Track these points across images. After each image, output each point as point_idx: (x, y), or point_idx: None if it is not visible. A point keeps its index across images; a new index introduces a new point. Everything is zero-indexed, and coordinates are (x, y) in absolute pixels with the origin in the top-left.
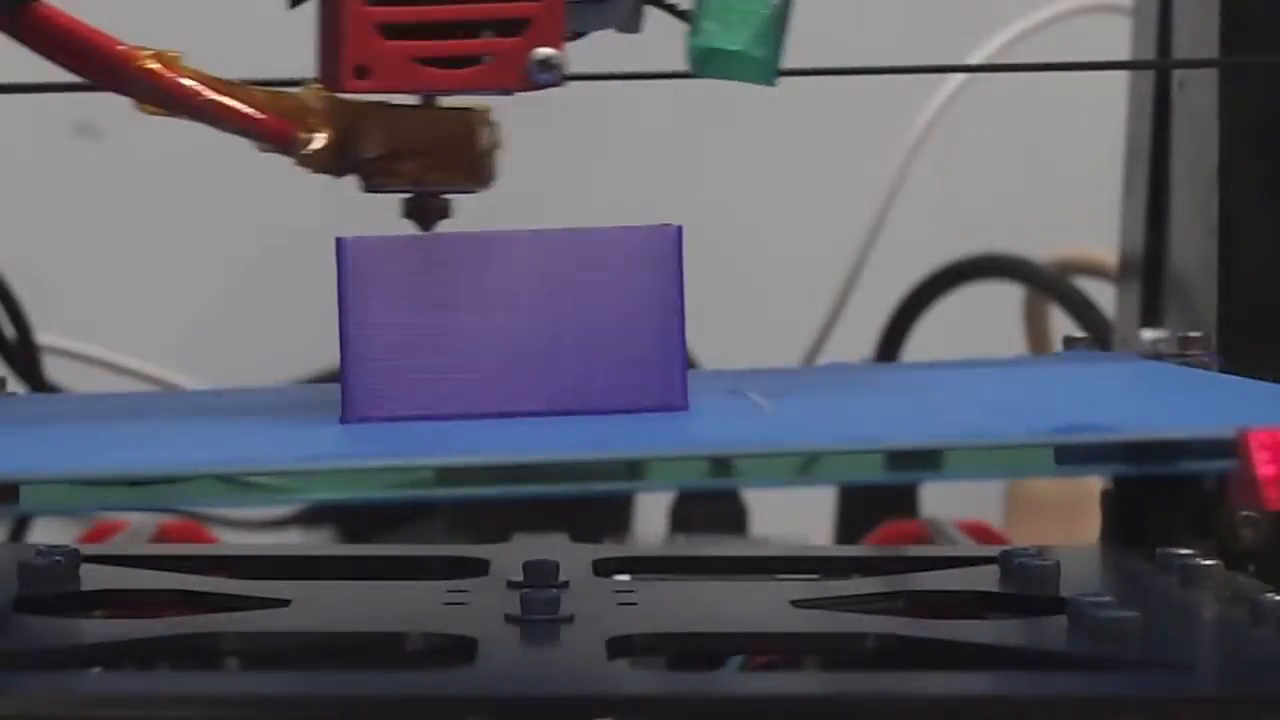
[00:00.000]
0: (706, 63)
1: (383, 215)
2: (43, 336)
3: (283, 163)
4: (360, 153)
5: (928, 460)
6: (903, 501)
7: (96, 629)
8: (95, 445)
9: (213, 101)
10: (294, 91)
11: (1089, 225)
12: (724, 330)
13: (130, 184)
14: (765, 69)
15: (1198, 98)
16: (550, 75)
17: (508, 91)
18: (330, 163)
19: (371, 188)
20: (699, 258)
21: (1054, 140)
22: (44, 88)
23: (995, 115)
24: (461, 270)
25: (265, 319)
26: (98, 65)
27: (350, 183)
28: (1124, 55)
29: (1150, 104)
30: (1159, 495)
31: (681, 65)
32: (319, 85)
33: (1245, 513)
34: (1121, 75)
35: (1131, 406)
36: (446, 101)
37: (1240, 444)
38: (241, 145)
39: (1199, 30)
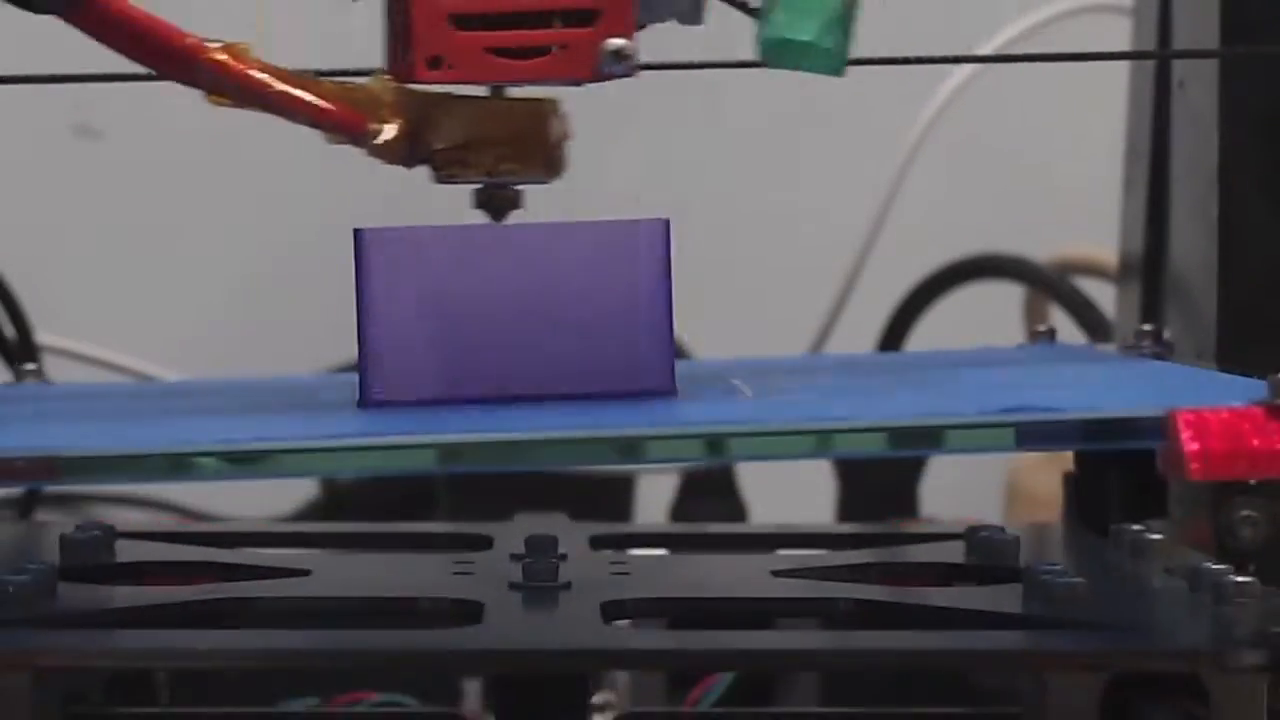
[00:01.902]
0: (777, 54)
1: (383, 215)
2: (43, 336)
3: (283, 163)
4: (431, 143)
5: (915, 437)
6: (903, 501)
7: (134, 595)
8: (126, 426)
9: (283, 93)
10: (363, 82)
11: (1089, 225)
12: (725, 330)
13: (130, 184)
14: (835, 59)
15: (1198, 97)
16: (622, 66)
17: (579, 82)
18: (402, 153)
19: (443, 178)
20: (699, 257)
21: (1054, 140)
22: (42, 79)
23: (995, 115)
24: (469, 260)
25: (265, 319)
26: (166, 57)
27: (350, 182)
28: None
29: (1150, 104)
30: (1115, 476)
31: (694, 51)
32: (388, 76)
33: (1245, 513)
34: (1122, 75)
35: (1081, 392)
36: (516, 92)
37: (1169, 422)
38: (242, 146)
39: (1199, 29)
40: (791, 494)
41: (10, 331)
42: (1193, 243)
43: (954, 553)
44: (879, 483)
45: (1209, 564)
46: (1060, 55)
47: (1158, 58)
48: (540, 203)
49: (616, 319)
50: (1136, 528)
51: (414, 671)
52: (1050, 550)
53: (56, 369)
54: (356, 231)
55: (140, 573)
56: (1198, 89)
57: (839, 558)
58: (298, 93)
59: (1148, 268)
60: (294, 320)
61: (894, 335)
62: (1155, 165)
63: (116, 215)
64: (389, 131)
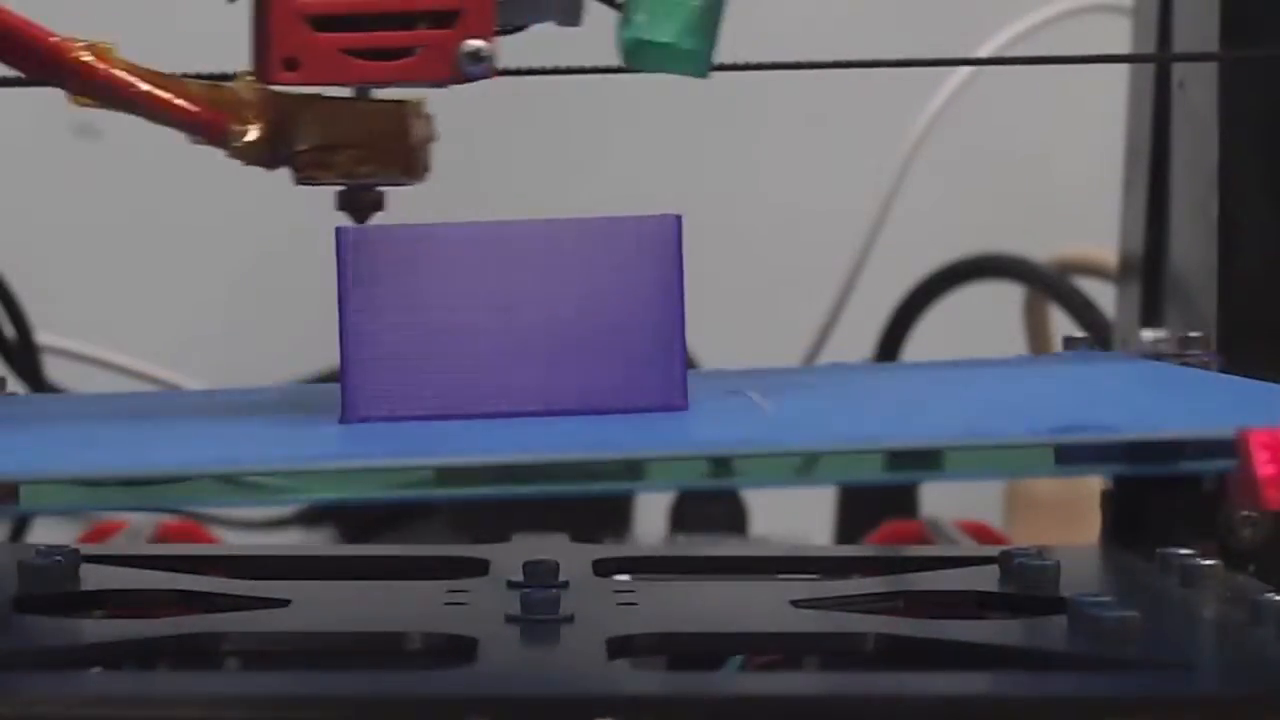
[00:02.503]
0: (637, 55)
1: (384, 214)
2: (43, 336)
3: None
4: (292, 145)
5: (927, 460)
6: (903, 501)
7: (96, 629)
8: (95, 445)
9: (146, 93)
10: (228, 84)
11: (1089, 225)
12: (724, 330)
13: (130, 184)
14: (697, 61)
15: (1198, 97)
16: (480, 67)
17: (440, 84)
18: (263, 155)
19: (304, 180)
20: (699, 257)
21: (1054, 140)
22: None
23: (995, 115)
24: (462, 262)
25: (265, 319)
26: (30, 57)
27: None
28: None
29: (1150, 104)
30: (1159, 495)
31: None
32: (252, 77)
33: (1245, 513)
34: (1121, 76)
35: (1131, 406)
36: (380, 94)
37: (1240, 444)
38: None
39: (1199, 29)
40: (792, 494)
41: (10, 331)
42: (1193, 243)
43: (988, 579)
44: (879, 484)
45: (1270, 594)
46: (1059, 58)
47: (1156, 60)
48: (539, 206)
49: (622, 326)
50: (1185, 552)
51: (402, 718)
52: (1092, 577)
53: (56, 369)
54: (337, 230)
55: (107, 602)
56: (1198, 89)
57: (863, 585)
58: (160, 93)
59: (1148, 268)
60: (294, 320)
61: (894, 336)
62: (1155, 165)
63: (116, 215)
64: (251, 133)
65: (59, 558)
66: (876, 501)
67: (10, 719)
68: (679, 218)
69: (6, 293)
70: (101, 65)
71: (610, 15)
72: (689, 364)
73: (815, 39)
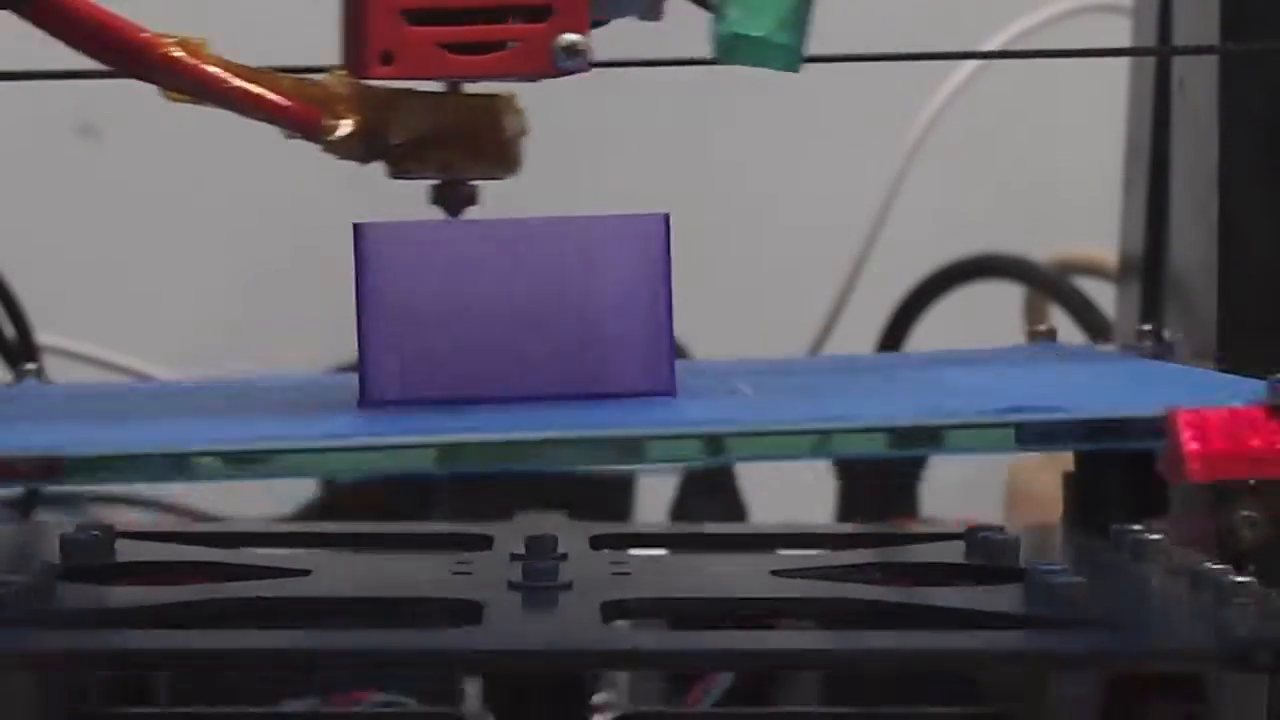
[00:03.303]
0: (732, 49)
1: (383, 214)
2: (43, 336)
3: (283, 162)
4: (387, 139)
5: (905, 437)
6: (903, 500)
7: (133, 595)
8: (126, 427)
9: (238, 88)
10: (319, 78)
11: (1089, 225)
12: (724, 329)
13: (130, 184)
14: (790, 55)
15: (1198, 97)
16: (576, 61)
17: (534, 78)
18: (357, 149)
19: (398, 174)
20: (699, 257)
21: (1054, 140)
22: (43, 75)
23: (995, 115)
24: (469, 256)
25: (266, 319)
26: (121, 52)
27: (352, 181)
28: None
29: (1150, 104)
30: (1115, 477)
31: (689, 52)
32: (344, 72)
33: (1245, 513)
34: (1121, 75)
35: (1083, 392)
36: (472, 88)
37: (1169, 422)
38: (242, 145)
39: (1199, 28)
40: (791, 494)
41: (10, 331)
42: (1193, 243)
43: (955, 553)
44: (879, 483)
45: (1210, 565)
46: (1060, 51)
47: (1157, 54)
48: (539, 202)
49: (615, 317)
50: (1137, 528)
51: (413, 671)
52: (1051, 550)
53: (56, 369)
54: (356, 226)
55: (140, 573)
56: (1198, 89)
57: (839, 557)
58: (254, 88)
59: (1148, 268)
60: (294, 320)
61: (894, 335)
62: (1155, 165)
63: (116, 215)
64: (345, 127)
65: (97, 532)
66: (877, 500)
67: (59, 668)
68: (667, 216)
69: (6, 293)
70: (193, 61)
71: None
72: (684, 357)
73: (815, 39)
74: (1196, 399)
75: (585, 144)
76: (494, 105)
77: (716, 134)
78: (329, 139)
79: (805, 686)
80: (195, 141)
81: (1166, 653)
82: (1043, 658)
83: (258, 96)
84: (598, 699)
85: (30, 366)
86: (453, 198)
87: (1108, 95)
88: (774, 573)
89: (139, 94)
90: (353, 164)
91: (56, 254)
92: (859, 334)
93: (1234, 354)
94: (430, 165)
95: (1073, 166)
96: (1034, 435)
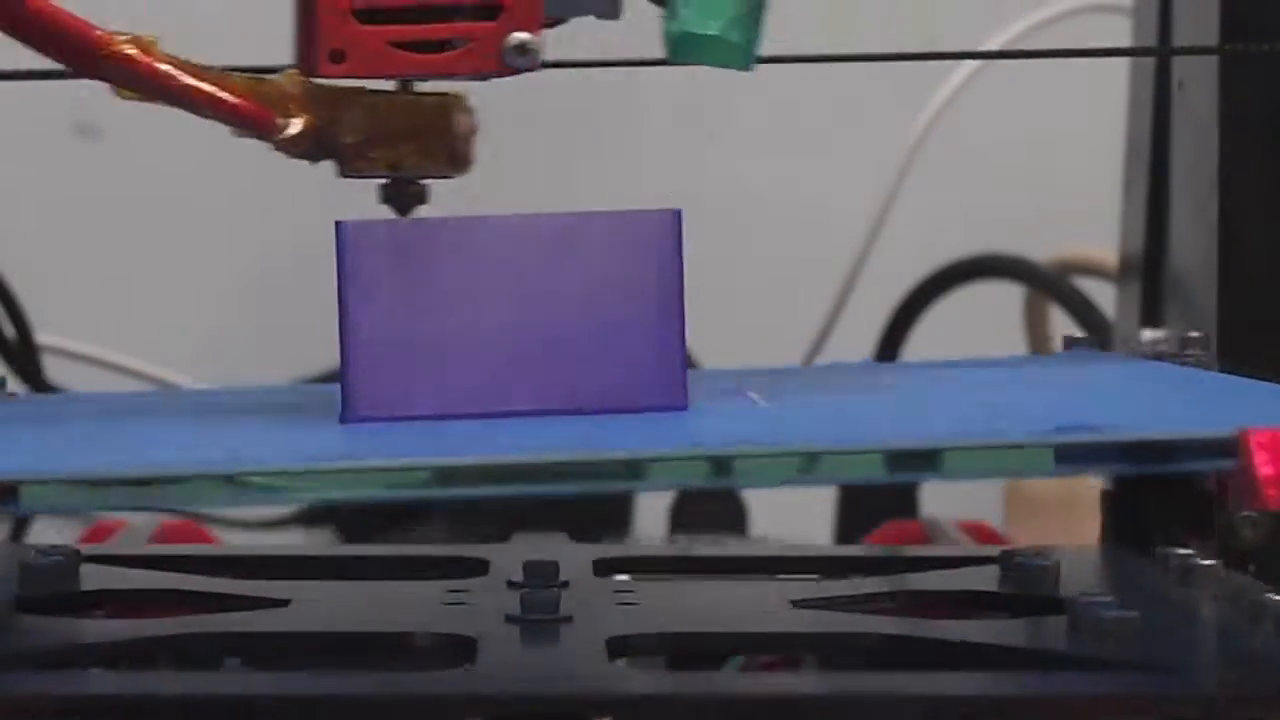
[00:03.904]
0: (683, 47)
1: (382, 213)
2: (43, 336)
3: (284, 162)
4: (337, 138)
5: (927, 461)
6: (903, 502)
7: (96, 629)
8: (95, 445)
9: (190, 86)
10: (271, 78)
11: (1089, 225)
12: (724, 330)
13: (130, 184)
14: (742, 54)
15: (1198, 98)
16: (526, 60)
17: (484, 77)
18: (307, 148)
19: (348, 173)
20: (699, 256)
21: (1054, 140)
22: (37, 75)
23: (995, 115)
24: (462, 258)
25: (266, 319)
26: (75, 51)
27: (351, 183)
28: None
29: (1150, 104)
30: (1158, 495)
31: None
32: (296, 71)
33: (1245, 513)
34: (1121, 76)
35: (1130, 406)
36: (424, 87)
37: (1240, 444)
38: (242, 145)
39: (1199, 29)
40: (791, 495)
41: (10, 331)
42: (1193, 243)
43: (988, 579)
44: (879, 485)
45: (1269, 594)
46: (1060, 51)
47: (1157, 54)
48: (538, 204)
49: (623, 323)
50: (1184, 551)
51: (402, 717)
52: (1092, 577)
53: (56, 369)
54: (337, 224)
55: (107, 602)
56: (1198, 89)
57: (863, 585)
58: (205, 86)
59: (1148, 268)
60: (295, 320)
61: (894, 335)
62: (1155, 165)
63: (116, 215)
64: (295, 126)
65: (59, 558)
66: (877, 501)
67: (12, 714)
68: (679, 212)
69: (6, 293)
70: (145, 59)
71: (640, 10)
72: (689, 364)
73: (815, 39)
74: (1248, 414)
75: (584, 144)
76: (445, 104)
77: (716, 133)
78: (279, 137)
79: None
80: (195, 142)
81: (1233, 698)
82: (1095, 704)
83: (209, 95)
84: None
85: None
86: (402, 196)
87: (1108, 96)
88: (793, 603)
89: None
90: None
91: (56, 254)
92: (858, 334)
93: (1234, 354)
94: (380, 164)
95: (1073, 166)
96: (1075, 456)
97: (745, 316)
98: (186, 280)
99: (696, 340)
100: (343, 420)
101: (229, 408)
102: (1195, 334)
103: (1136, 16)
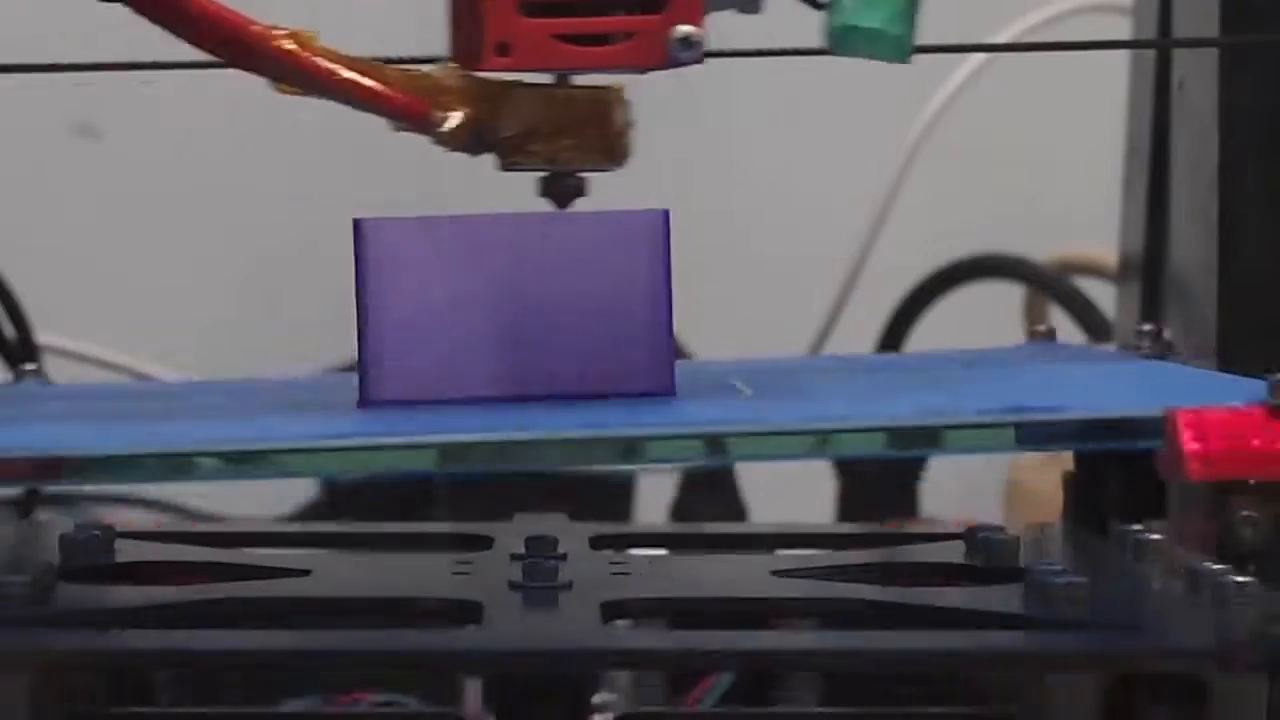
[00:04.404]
0: (845, 40)
1: (383, 212)
2: (43, 336)
3: (284, 163)
4: (496, 132)
5: (906, 437)
6: (903, 501)
7: (131, 595)
8: (123, 426)
9: (349, 80)
10: (429, 70)
11: (1089, 225)
12: (724, 329)
13: (130, 184)
14: (902, 46)
15: (1197, 97)
16: (691, 53)
17: (645, 70)
18: (466, 142)
19: (507, 166)
20: (699, 256)
21: (1054, 140)
22: (40, 68)
23: (995, 115)
24: (469, 253)
25: (266, 319)
26: (233, 45)
27: (350, 182)
28: (1124, 56)
29: (1150, 104)
30: (1115, 477)
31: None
32: (454, 64)
33: (1245, 513)
34: (1121, 75)
35: (1081, 392)
36: (580, 80)
37: (1169, 422)
38: (242, 145)
39: (1199, 27)
40: (791, 494)
41: (10, 331)
42: (1193, 243)
43: (955, 553)
44: (879, 483)
45: (1209, 565)
46: (1058, 44)
47: (1156, 46)
48: (537, 202)
49: (614, 315)
50: (1137, 528)
51: (413, 671)
52: (1050, 550)
53: (56, 369)
54: (355, 223)
55: (140, 573)
56: (1197, 89)
57: (840, 558)
58: (364, 80)
59: (1148, 268)
60: (295, 320)
61: (894, 335)
62: (1155, 165)
63: (116, 215)
64: (454, 119)
65: (97, 531)
66: (877, 500)
67: (58, 668)
68: (667, 212)
69: (6, 293)
70: (304, 53)
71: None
72: (684, 357)
73: (814, 39)
74: (1196, 399)
75: None
76: (603, 97)
77: (716, 132)
78: (439, 130)
79: (805, 686)
80: (195, 141)
81: (1166, 653)
82: (1041, 658)
83: (368, 88)
84: (598, 699)
85: (30, 367)
86: (561, 189)
87: (1108, 95)
88: (774, 573)
89: (139, 94)
90: (353, 164)
91: (56, 254)
92: (859, 334)
93: (1234, 354)
94: (539, 157)
95: (1073, 166)
96: (1034, 435)
97: (746, 315)
98: (187, 280)
99: (697, 338)
100: (360, 404)
101: (249, 394)
102: (1147, 327)
103: (1136, 15)
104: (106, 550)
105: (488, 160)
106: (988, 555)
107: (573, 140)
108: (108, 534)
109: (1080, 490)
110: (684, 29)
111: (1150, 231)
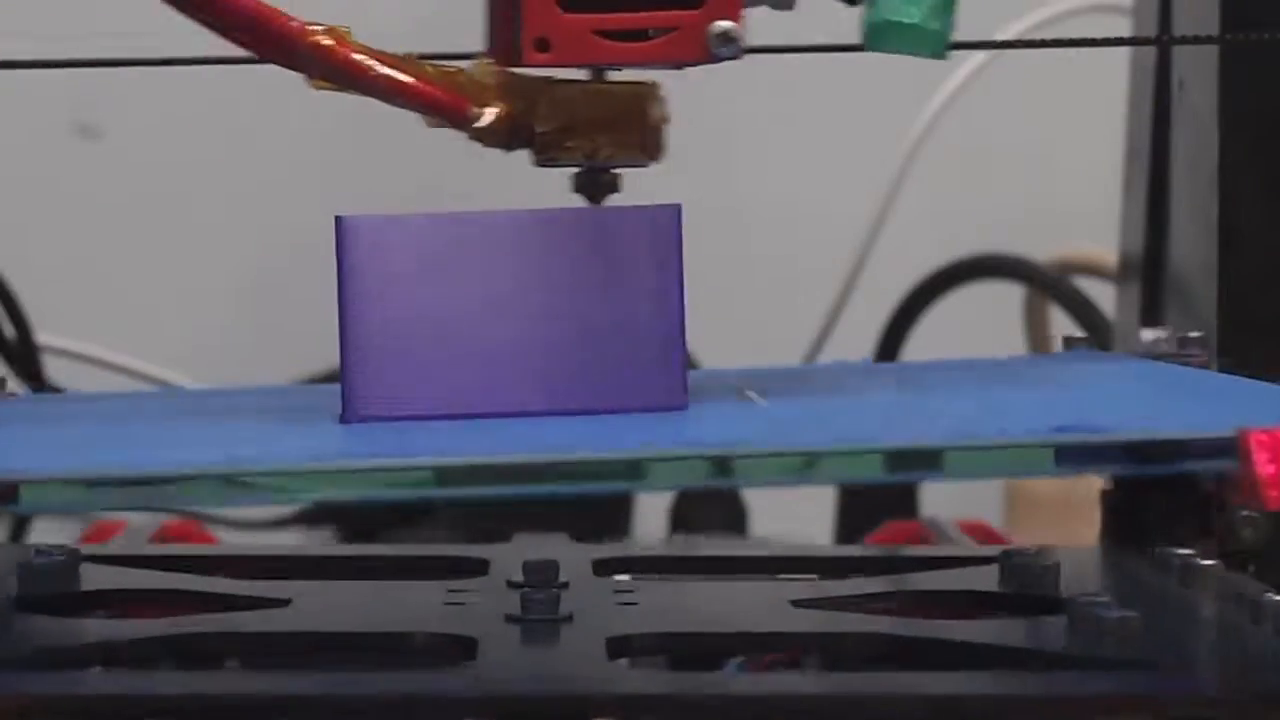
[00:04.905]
0: (882, 35)
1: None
2: (43, 336)
3: (283, 163)
4: (532, 127)
5: (927, 460)
6: (903, 501)
7: (95, 628)
8: (95, 445)
9: (385, 76)
10: (465, 66)
11: (1089, 225)
12: (724, 330)
13: (130, 184)
14: (940, 41)
15: (1197, 97)
16: (730, 49)
17: (683, 65)
18: (503, 137)
19: (543, 162)
20: (699, 257)
21: (1054, 140)
22: (40, 64)
23: (995, 115)
24: (461, 254)
25: (266, 319)
26: (268, 41)
27: (350, 181)
28: (1124, 55)
29: (1150, 104)
30: (1158, 495)
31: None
32: (490, 60)
33: (1245, 513)
34: (1121, 76)
35: (1130, 406)
36: (615, 76)
37: (1240, 444)
38: (242, 145)
39: (1199, 27)
40: (791, 494)
41: (10, 331)
42: (1193, 243)
43: (988, 579)
44: (879, 484)
45: (1269, 594)
46: (1057, 41)
47: (1156, 44)
48: (537, 203)
49: (623, 321)
50: (1184, 552)
51: (402, 717)
52: (1092, 577)
53: (56, 369)
54: (337, 219)
55: (107, 602)
56: (1197, 89)
57: (863, 585)
58: (400, 76)
59: (1148, 268)
60: (295, 321)
61: (894, 335)
62: (1155, 165)
63: (116, 215)
64: (490, 115)
65: (58, 557)
66: (877, 501)
67: (10, 716)
68: (679, 207)
69: (6, 293)
70: (340, 49)
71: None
72: (689, 364)
73: (814, 38)
74: (1248, 414)
75: None
76: (639, 93)
77: (715, 134)
78: (475, 126)
79: None
80: (195, 141)
81: (1234, 698)
82: (1094, 704)
83: (404, 84)
84: None
85: None
86: (596, 185)
87: (1108, 96)
88: (793, 603)
89: (139, 94)
90: (351, 164)
91: (56, 254)
92: (859, 334)
93: (1234, 354)
94: (576, 153)
95: (1073, 166)
96: (1077, 457)
97: (745, 316)
98: (187, 280)
99: (697, 340)
100: (343, 420)
101: (229, 408)
102: (1195, 334)
103: (1137, 15)
104: (71, 576)
105: (489, 158)
106: (1025, 582)
107: (609, 136)
108: (72, 559)
109: (1119, 509)
110: (723, 24)
111: (1150, 232)
